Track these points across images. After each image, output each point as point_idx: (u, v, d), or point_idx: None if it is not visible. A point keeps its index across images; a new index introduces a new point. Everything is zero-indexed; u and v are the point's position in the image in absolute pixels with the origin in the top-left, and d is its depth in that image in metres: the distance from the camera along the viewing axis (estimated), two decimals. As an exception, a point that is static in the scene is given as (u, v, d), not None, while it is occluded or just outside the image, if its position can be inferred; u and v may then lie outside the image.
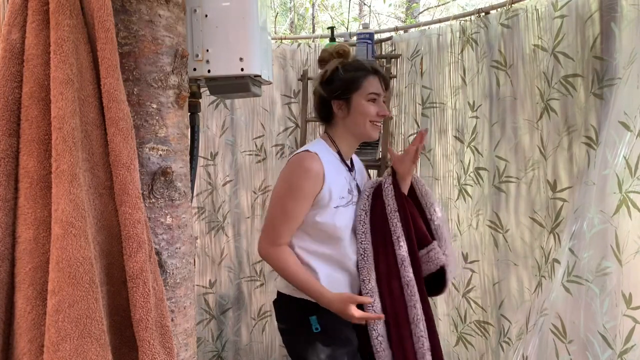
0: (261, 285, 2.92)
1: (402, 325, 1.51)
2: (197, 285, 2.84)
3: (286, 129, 2.87)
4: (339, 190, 1.53)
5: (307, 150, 1.52)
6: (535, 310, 1.88)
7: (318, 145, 1.57)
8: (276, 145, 2.87)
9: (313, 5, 6.31)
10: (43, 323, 0.79)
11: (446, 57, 2.46)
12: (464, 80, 2.37)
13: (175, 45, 1.01)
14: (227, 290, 2.92)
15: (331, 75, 1.59)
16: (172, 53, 1.00)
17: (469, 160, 2.34)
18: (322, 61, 1.65)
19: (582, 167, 1.88)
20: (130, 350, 0.86)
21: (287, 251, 1.53)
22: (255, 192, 2.89)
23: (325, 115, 1.63)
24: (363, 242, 1.55)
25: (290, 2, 7.63)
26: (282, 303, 1.61)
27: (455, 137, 2.43)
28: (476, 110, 2.30)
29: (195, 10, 1.10)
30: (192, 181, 1.12)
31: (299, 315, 1.55)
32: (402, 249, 1.52)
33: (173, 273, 0.98)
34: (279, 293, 1.63)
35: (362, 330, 1.54)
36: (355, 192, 1.62)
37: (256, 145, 2.88)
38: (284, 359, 2.93)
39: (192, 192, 1.11)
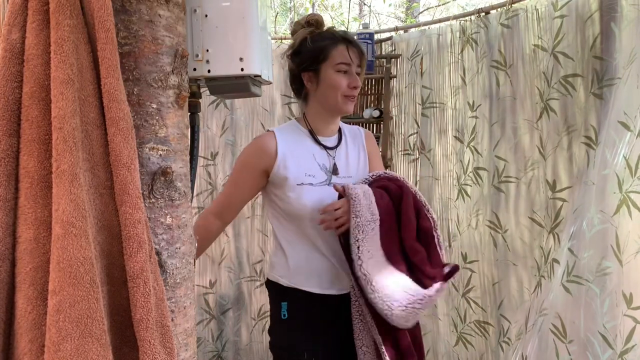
0: (261, 285, 2.92)
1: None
2: (197, 285, 2.84)
3: (286, 129, 2.87)
4: (301, 167, 1.46)
5: (267, 130, 1.53)
6: (535, 310, 1.88)
7: (283, 125, 1.57)
8: (276, 145, 2.87)
9: (313, 5, 6.31)
10: (44, 323, 0.79)
11: (446, 57, 2.46)
12: (463, 80, 2.37)
13: (175, 45, 1.01)
14: (227, 291, 2.92)
15: (299, 47, 1.51)
16: (172, 53, 1.00)
17: (469, 160, 2.34)
18: (293, 33, 1.56)
19: (581, 167, 1.88)
20: (131, 350, 0.86)
21: (212, 224, 1.55)
22: (255, 192, 2.89)
23: (297, 90, 1.57)
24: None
25: (290, 2, 7.63)
26: (266, 284, 1.61)
27: (455, 137, 2.43)
28: (476, 110, 2.30)
29: (195, 10, 1.10)
30: (192, 181, 1.12)
31: (274, 298, 1.55)
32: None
33: (173, 273, 0.98)
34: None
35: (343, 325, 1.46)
36: (341, 172, 1.52)
37: (256, 145, 2.87)
38: (284, 359, 2.93)
39: (192, 192, 1.11)
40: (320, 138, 1.53)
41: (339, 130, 1.60)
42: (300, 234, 1.49)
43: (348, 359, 1.48)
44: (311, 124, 1.53)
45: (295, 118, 1.60)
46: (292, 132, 1.52)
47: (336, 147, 1.55)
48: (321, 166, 1.51)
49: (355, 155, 1.59)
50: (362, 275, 1.31)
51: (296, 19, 7.44)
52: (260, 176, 1.49)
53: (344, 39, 1.48)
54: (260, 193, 1.60)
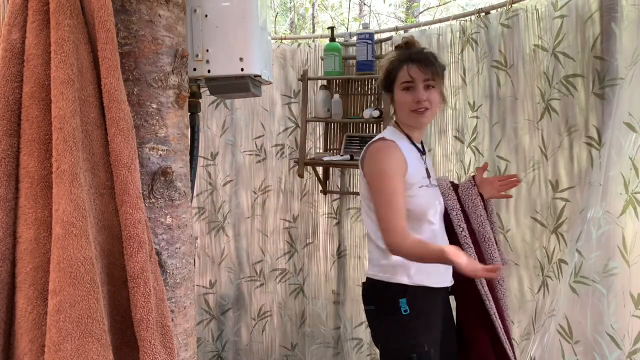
0: (261, 285, 2.92)
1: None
2: (197, 285, 2.85)
3: (286, 129, 2.87)
4: (418, 170, 1.59)
5: (383, 138, 1.59)
6: (544, 311, 1.88)
7: (389, 133, 1.64)
8: (276, 145, 2.87)
9: (313, 5, 6.31)
10: (44, 323, 0.79)
11: (446, 57, 2.46)
12: (464, 80, 2.37)
13: (175, 45, 1.01)
14: (227, 291, 2.92)
15: (382, 71, 1.66)
16: (172, 53, 1.00)
17: (470, 160, 2.34)
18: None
19: (583, 167, 1.88)
20: (131, 350, 0.86)
21: (409, 240, 1.50)
22: (255, 192, 2.89)
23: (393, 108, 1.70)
24: (463, 234, 1.66)
25: (290, 2, 7.63)
26: (372, 287, 1.64)
27: (455, 137, 2.43)
28: (476, 110, 2.30)
29: (195, 10, 1.10)
30: (192, 181, 1.12)
31: (388, 298, 1.59)
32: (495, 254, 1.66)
33: (173, 273, 0.98)
34: (367, 279, 1.66)
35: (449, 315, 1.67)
36: (432, 174, 1.67)
37: (256, 145, 2.88)
38: (283, 359, 2.93)
39: (192, 192, 1.11)
40: (416, 143, 1.66)
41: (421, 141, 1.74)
42: (419, 231, 1.58)
43: (452, 346, 1.67)
44: (406, 132, 1.65)
45: (389, 126, 1.70)
46: (401, 139, 1.62)
47: (425, 152, 1.71)
48: (426, 169, 1.65)
49: (429, 158, 1.76)
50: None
51: (296, 19, 7.44)
52: (403, 180, 1.55)
53: (407, 57, 1.59)
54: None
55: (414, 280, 1.55)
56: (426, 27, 2.65)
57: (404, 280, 1.56)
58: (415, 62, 1.57)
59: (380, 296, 1.62)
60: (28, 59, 0.85)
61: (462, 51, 2.36)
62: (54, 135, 0.80)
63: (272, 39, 2.72)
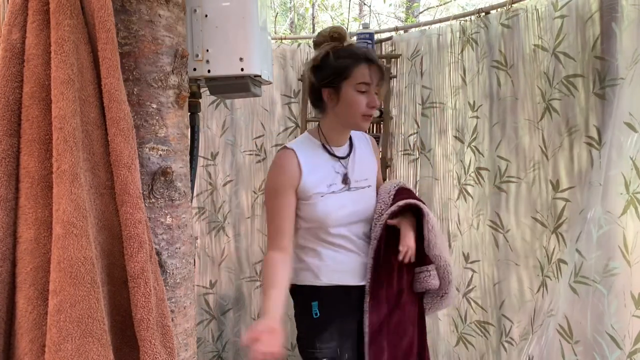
0: (261, 285, 2.92)
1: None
2: (197, 285, 2.84)
3: (286, 129, 2.87)
4: (322, 178, 1.52)
5: (285, 147, 1.54)
6: (543, 311, 1.88)
7: (298, 141, 1.58)
8: (276, 145, 2.87)
9: (313, 5, 6.31)
10: (44, 323, 0.79)
11: (446, 57, 2.46)
12: (464, 80, 2.37)
13: (175, 45, 1.01)
14: (228, 291, 2.92)
15: (322, 61, 1.51)
16: (172, 53, 1.00)
17: (470, 160, 2.34)
18: (317, 45, 1.57)
19: (584, 167, 1.88)
20: (132, 349, 0.86)
21: (272, 258, 1.48)
22: (255, 192, 2.89)
23: (316, 102, 1.58)
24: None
25: (290, 2, 7.63)
26: (292, 290, 1.62)
27: (455, 137, 2.43)
28: (476, 110, 2.30)
29: (195, 10, 1.10)
30: (192, 181, 1.12)
31: (303, 300, 1.58)
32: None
33: (173, 273, 0.98)
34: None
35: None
36: (354, 177, 1.58)
37: (256, 145, 2.88)
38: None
39: (192, 192, 1.11)
40: (334, 148, 1.59)
41: (350, 140, 1.65)
42: (327, 235, 1.55)
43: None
44: (325, 136, 1.57)
45: (307, 130, 1.64)
46: (308, 147, 1.56)
47: (347, 156, 1.61)
48: (341, 174, 1.57)
49: (364, 163, 1.65)
50: (437, 256, 1.54)
51: (296, 19, 7.44)
52: (292, 194, 1.51)
53: (366, 58, 1.50)
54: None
55: (323, 280, 1.54)
56: (426, 27, 2.65)
57: (313, 281, 1.55)
58: (373, 63, 1.50)
59: (296, 299, 1.62)
60: (28, 59, 0.85)
61: (462, 51, 2.37)
62: (54, 135, 0.80)
63: (272, 39, 2.73)
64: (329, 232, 1.54)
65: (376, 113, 2.62)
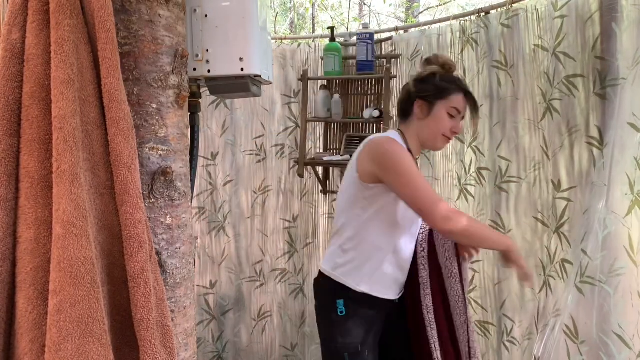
0: (261, 285, 2.92)
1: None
2: (197, 285, 2.84)
3: (286, 128, 2.87)
4: None
5: (389, 137, 1.57)
6: (548, 311, 1.88)
7: (395, 135, 1.61)
8: (276, 145, 2.88)
9: (313, 5, 6.31)
10: (44, 323, 0.79)
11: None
12: (464, 80, 2.37)
13: (175, 45, 1.01)
14: (228, 291, 2.92)
15: (427, 77, 1.62)
16: (172, 53, 1.00)
17: (471, 160, 2.34)
18: (428, 62, 1.68)
19: (585, 167, 1.88)
20: (132, 350, 0.86)
21: (456, 211, 1.47)
22: (255, 192, 2.89)
23: (405, 110, 1.65)
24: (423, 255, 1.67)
25: (290, 2, 7.63)
26: (321, 282, 1.65)
27: (456, 137, 2.43)
28: (477, 110, 2.30)
29: (195, 10, 1.10)
30: (192, 181, 1.12)
31: (329, 296, 1.60)
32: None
33: (173, 273, 0.98)
34: (320, 272, 1.66)
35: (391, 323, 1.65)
36: None
37: (256, 145, 2.88)
38: (284, 359, 2.93)
39: (192, 192, 1.11)
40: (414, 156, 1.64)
41: None
42: (393, 242, 1.58)
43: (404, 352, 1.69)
44: (408, 143, 1.63)
45: (398, 131, 1.66)
46: (404, 146, 1.60)
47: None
48: None
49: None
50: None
51: (296, 19, 7.43)
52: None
53: (467, 91, 1.61)
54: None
55: (359, 287, 1.56)
56: (426, 27, 2.65)
57: (349, 283, 1.56)
58: (469, 99, 1.60)
59: (324, 293, 1.64)
60: (28, 59, 0.85)
61: (462, 51, 2.36)
62: (54, 135, 0.80)
63: (272, 39, 2.73)
64: (398, 237, 1.57)
65: (376, 113, 2.62)
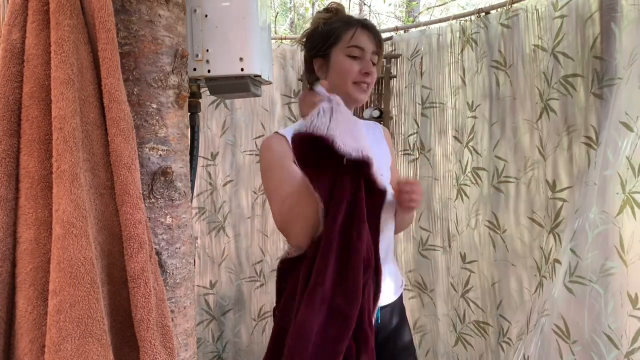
0: (261, 285, 2.92)
1: None
2: (197, 285, 2.84)
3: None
4: None
5: (276, 132, 1.39)
6: (536, 311, 1.88)
7: (292, 126, 1.38)
8: (276, 145, 2.87)
9: (313, 5, 6.31)
10: (44, 323, 0.79)
11: (446, 57, 2.46)
12: (463, 80, 2.37)
13: (175, 45, 1.01)
14: (228, 291, 2.92)
15: (312, 32, 1.39)
16: (172, 53, 1.00)
17: (467, 160, 2.34)
18: (313, 21, 1.45)
19: (582, 167, 1.88)
20: (131, 350, 0.86)
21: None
22: (255, 192, 2.89)
23: (309, 78, 1.42)
24: None
25: (290, 2, 7.62)
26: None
27: (455, 137, 2.43)
28: (474, 110, 2.30)
29: (195, 10, 1.10)
30: (192, 181, 1.12)
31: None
32: None
33: (173, 273, 0.98)
34: None
35: None
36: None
37: (256, 145, 2.88)
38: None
39: (192, 192, 1.11)
40: None
41: None
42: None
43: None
44: None
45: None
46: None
47: None
48: None
49: (380, 149, 1.47)
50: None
51: (296, 19, 7.43)
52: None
53: (362, 23, 1.34)
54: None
55: None
56: (426, 27, 2.65)
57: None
58: (369, 29, 1.33)
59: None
60: (28, 59, 0.85)
61: (461, 51, 2.37)
62: (54, 135, 0.80)
63: (272, 39, 2.72)
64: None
65: (376, 113, 2.62)
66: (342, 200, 1.10)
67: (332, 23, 1.37)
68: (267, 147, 1.36)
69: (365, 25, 1.34)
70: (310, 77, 1.42)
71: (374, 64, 1.35)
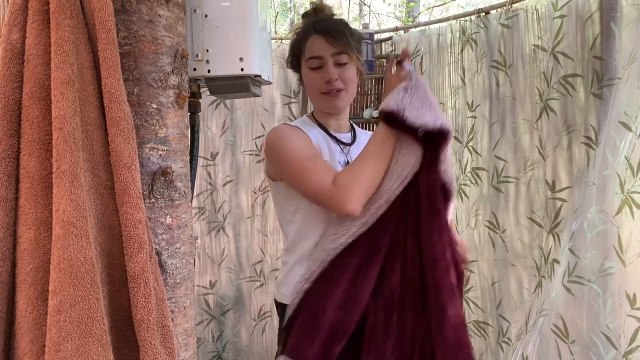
0: (261, 285, 2.92)
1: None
2: (197, 285, 2.84)
3: (286, 129, 2.87)
4: (328, 158, 1.30)
5: (278, 125, 1.35)
6: (535, 310, 1.88)
7: (298, 120, 1.39)
8: (276, 145, 2.87)
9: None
10: (44, 323, 0.79)
11: (446, 57, 2.46)
12: (463, 80, 2.37)
13: (175, 45, 1.01)
14: (228, 291, 2.92)
15: (290, 45, 1.36)
16: (172, 53, 1.00)
17: (467, 160, 2.34)
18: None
19: (581, 167, 1.88)
20: (132, 350, 0.86)
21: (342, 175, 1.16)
22: (255, 192, 2.89)
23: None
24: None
25: (290, 2, 7.62)
26: (278, 307, 1.36)
27: (455, 137, 2.43)
28: (474, 110, 2.30)
29: (195, 10, 1.10)
30: (192, 181, 1.12)
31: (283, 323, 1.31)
32: None
33: (173, 273, 0.98)
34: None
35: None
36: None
37: (256, 145, 2.88)
38: (284, 359, 2.93)
39: (192, 192, 1.11)
40: (332, 133, 1.36)
41: (353, 129, 1.44)
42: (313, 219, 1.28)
43: None
44: (319, 121, 1.37)
45: (306, 115, 1.42)
46: (310, 126, 1.34)
47: (351, 144, 1.38)
48: (342, 164, 1.32)
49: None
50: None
51: (296, 19, 7.44)
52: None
53: (313, 28, 1.28)
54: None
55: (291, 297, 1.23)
56: (426, 27, 2.65)
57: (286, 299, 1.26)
58: (321, 33, 1.27)
59: (280, 320, 1.31)
60: (28, 59, 0.85)
61: (461, 51, 2.37)
62: (54, 135, 0.80)
63: (272, 39, 2.72)
64: (321, 216, 1.27)
65: (376, 113, 2.62)
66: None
67: (297, 35, 1.34)
68: (281, 132, 1.29)
69: (317, 29, 1.28)
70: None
71: (342, 64, 1.28)
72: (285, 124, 1.34)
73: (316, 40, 1.28)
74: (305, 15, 1.37)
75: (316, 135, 1.32)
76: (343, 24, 1.32)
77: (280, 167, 1.26)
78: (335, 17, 1.35)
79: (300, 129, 1.30)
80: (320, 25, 1.29)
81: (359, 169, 1.15)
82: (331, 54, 1.27)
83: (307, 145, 1.25)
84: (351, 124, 1.46)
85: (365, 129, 2.74)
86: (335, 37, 1.27)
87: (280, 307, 1.31)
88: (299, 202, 1.27)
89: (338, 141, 1.36)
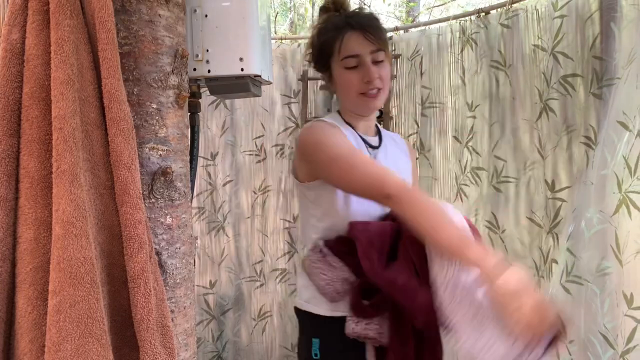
0: (261, 285, 2.92)
1: None
2: (197, 285, 2.84)
3: (286, 129, 2.87)
4: None
5: (312, 121, 1.30)
6: None
7: (329, 117, 1.32)
8: (276, 145, 2.87)
9: (313, 5, 6.31)
10: (44, 323, 0.79)
11: (446, 57, 2.46)
12: (463, 80, 2.37)
13: (175, 45, 1.01)
14: (227, 291, 2.92)
15: (311, 43, 1.30)
16: (172, 53, 1.00)
17: (467, 160, 2.35)
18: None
19: (581, 167, 1.88)
20: (131, 350, 0.86)
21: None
22: (255, 192, 2.89)
23: (327, 90, 1.35)
24: None
25: (290, 2, 7.62)
26: (297, 315, 1.32)
27: (454, 137, 2.43)
28: (474, 110, 2.30)
29: (195, 10, 1.10)
30: (192, 181, 1.12)
31: (305, 331, 1.27)
32: None
33: (173, 273, 0.98)
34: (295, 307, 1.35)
35: None
36: None
37: (256, 145, 2.88)
38: None
39: (192, 192, 1.11)
40: (361, 135, 1.31)
41: (378, 131, 1.39)
42: (337, 223, 1.22)
43: None
44: (347, 121, 1.31)
45: (337, 111, 1.35)
46: (342, 125, 1.28)
47: (378, 147, 1.33)
48: None
49: (397, 160, 1.36)
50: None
51: (296, 19, 7.43)
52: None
53: (349, 24, 1.22)
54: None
55: (323, 309, 1.19)
56: (426, 27, 2.65)
57: (312, 308, 1.21)
58: (358, 29, 1.20)
59: (301, 327, 1.28)
60: (28, 59, 0.85)
61: (461, 51, 2.37)
62: (54, 135, 0.80)
63: (272, 39, 2.72)
64: (339, 222, 1.22)
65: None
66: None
67: (326, 32, 1.27)
68: (319, 130, 1.23)
69: (354, 26, 1.22)
70: (325, 87, 1.36)
71: (378, 61, 1.23)
72: (320, 120, 1.27)
73: (353, 37, 1.21)
74: (324, 10, 1.30)
75: (349, 135, 1.27)
76: (376, 18, 1.26)
77: (320, 165, 1.19)
78: (366, 11, 1.29)
79: (338, 127, 1.25)
80: (356, 21, 1.22)
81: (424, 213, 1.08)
82: (370, 52, 1.21)
83: (343, 140, 1.19)
84: (376, 126, 1.41)
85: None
86: (374, 33, 1.21)
87: (301, 315, 1.27)
88: (328, 208, 1.23)
89: (366, 143, 1.31)
